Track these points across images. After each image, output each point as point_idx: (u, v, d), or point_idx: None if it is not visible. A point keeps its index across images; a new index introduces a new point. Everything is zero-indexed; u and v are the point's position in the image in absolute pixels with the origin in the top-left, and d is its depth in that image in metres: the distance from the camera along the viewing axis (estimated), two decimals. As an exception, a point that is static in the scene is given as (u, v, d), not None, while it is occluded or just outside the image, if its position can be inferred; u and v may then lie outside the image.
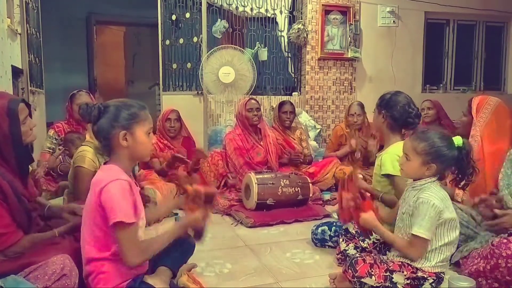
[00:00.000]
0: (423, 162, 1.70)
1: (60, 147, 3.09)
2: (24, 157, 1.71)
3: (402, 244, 1.74)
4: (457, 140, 1.72)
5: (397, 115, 2.17)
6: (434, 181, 1.73)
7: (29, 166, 1.83)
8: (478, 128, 2.31)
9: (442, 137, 1.72)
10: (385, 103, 2.23)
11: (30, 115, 1.73)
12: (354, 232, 2.12)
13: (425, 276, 1.71)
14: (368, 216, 1.82)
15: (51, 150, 3.21)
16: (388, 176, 2.13)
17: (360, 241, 2.09)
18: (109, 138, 1.51)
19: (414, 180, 1.77)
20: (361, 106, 4.02)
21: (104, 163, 1.58)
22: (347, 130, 4.06)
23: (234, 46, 4.44)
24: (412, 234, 1.68)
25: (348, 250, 2.08)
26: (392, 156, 2.09)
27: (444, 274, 1.76)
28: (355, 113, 3.96)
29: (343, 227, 2.20)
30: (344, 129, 4.09)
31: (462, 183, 1.77)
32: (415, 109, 2.21)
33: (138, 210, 1.51)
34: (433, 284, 1.72)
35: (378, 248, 2.03)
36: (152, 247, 1.52)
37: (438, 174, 1.73)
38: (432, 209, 1.65)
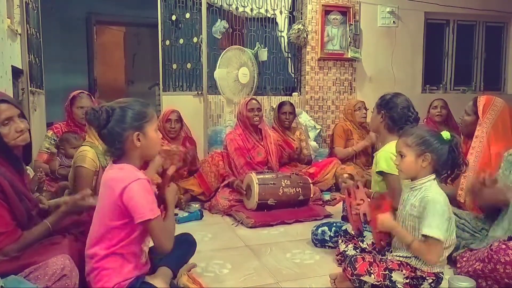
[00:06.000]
0: (417, 154, 1.71)
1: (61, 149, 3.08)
2: (16, 157, 1.68)
3: (419, 247, 1.67)
4: (445, 134, 1.73)
5: (396, 117, 2.19)
6: (433, 179, 1.73)
7: (23, 165, 1.80)
8: (484, 129, 2.29)
9: (430, 131, 1.76)
10: (386, 104, 2.24)
11: (22, 115, 1.69)
12: (353, 233, 2.13)
13: (424, 275, 1.72)
14: (385, 217, 1.77)
15: (49, 151, 3.21)
16: (382, 173, 2.14)
17: (359, 242, 2.09)
18: (122, 140, 1.51)
19: (412, 180, 1.77)
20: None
21: (114, 162, 1.57)
22: (351, 126, 4.12)
23: (242, 47, 4.49)
24: (425, 236, 1.63)
25: (347, 251, 2.08)
26: (386, 154, 2.11)
27: (443, 274, 1.76)
28: (362, 106, 4.13)
29: (342, 228, 2.20)
30: (349, 125, 4.13)
31: (452, 176, 1.77)
32: (415, 113, 2.23)
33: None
34: (432, 284, 1.72)
35: (377, 249, 2.03)
36: (171, 228, 1.60)
37: (435, 167, 1.73)
38: (439, 207, 1.64)
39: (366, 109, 4.12)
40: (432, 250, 1.64)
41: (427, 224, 1.63)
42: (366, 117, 4.10)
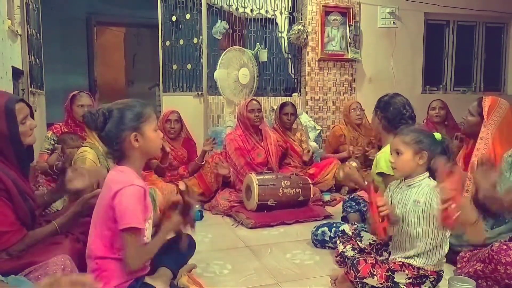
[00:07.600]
0: (415, 151, 1.74)
1: (57, 145, 3.08)
2: (25, 156, 1.70)
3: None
4: (437, 135, 1.78)
5: (390, 116, 2.22)
6: (428, 176, 1.77)
7: (30, 165, 1.81)
8: (490, 130, 2.28)
9: (425, 131, 1.83)
10: (380, 105, 2.27)
11: (31, 115, 1.71)
12: (351, 234, 2.12)
13: (427, 274, 1.73)
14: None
15: (49, 151, 3.21)
16: (381, 174, 2.15)
17: (357, 242, 2.09)
18: (119, 142, 1.51)
19: (405, 179, 1.79)
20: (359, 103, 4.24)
21: (117, 164, 1.57)
22: (346, 129, 4.11)
23: (242, 48, 4.50)
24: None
25: (346, 251, 2.08)
26: (386, 155, 2.11)
27: (443, 272, 1.78)
28: (357, 107, 4.12)
29: (340, 228, 2.20)
30: (343, 129, 4.12)
31: None
32: (410, 110, 2.24)
33: (147, 213, 1.53)
34: (433, 282, 1.74)
35: (375, 249, 2.03)
36: (150, 252, 1.55)
37: (428, 165, 1.76)
38: None
39: (361, 110, 4.14)
40: None
41: None
42: (361, 118, 4.13)
